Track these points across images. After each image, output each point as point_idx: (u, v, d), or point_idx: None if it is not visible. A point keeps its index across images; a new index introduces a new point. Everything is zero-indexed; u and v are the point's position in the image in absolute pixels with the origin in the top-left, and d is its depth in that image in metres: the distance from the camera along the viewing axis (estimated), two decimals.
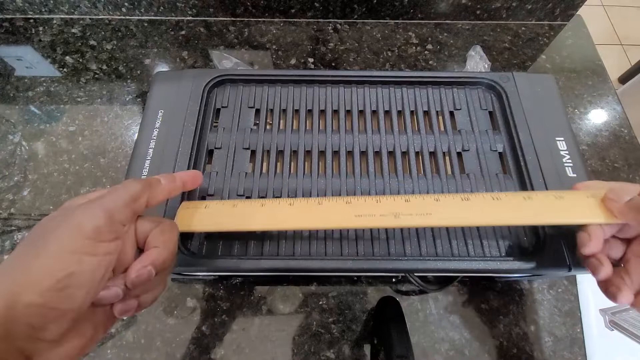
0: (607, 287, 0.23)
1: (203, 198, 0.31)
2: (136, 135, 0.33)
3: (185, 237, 0.29)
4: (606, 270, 0.23)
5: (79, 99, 0.48)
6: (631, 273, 0.23)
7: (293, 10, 0.54)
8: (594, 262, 0.23)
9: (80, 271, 0.18)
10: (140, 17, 0.55)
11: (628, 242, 0.24)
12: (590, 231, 0.24)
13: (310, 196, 0.31)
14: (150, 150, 0.32)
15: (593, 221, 0.24)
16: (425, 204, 0.26)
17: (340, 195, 0.31)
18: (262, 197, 0.31)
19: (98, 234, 0.19)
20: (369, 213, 0.26)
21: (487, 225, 0.28)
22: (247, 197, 0.31)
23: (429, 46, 0.54)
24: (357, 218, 0.26)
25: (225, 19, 0.55)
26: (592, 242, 0.23)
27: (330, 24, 0.55)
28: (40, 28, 0.53)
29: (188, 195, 0.31)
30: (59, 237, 0.18)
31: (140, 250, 0.22)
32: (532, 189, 0.31)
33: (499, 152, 0.34)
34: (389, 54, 0.53)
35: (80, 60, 0.51)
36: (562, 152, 0.32)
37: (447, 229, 0.30)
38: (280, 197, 0.31)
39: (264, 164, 0.33)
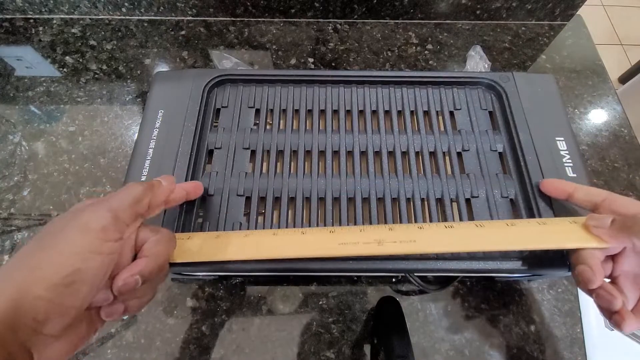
0: (610, 317, 0.23)
1: (203, 199, 0.31)
2: (136, 135, 0.33)
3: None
4: (618, 300, 0.22)
5: (79, 99, 0.48)
6: (624, 290, 0.23)
7: (293, 10, 0.54)
8: (604, 295, 0.23)
9: (86, 268, 0.18)
10: (140, 17, 0.55)
11: (613, 258, 0.24)
12: (590, 264, 0.23)
13: (310, 197, 0.31)
14: (150, 150, 0.32)
15: (585, 245, 0.24)
16: (409, 232, 0.26)
17: (340, 195, 0.31)
18: (262, 199, 0.31)
19: (104, 233, 0.19)
20: (352, 241, 0.26)
21: (471, 252, 0.28)
22: (247, 197, 0.31)
23: (429, 46, 0.54)
24: (340, 246, 0.26)
25: (225, 19, 0.55)
26: (597, 275, 0.23)
27: (330, 24, 0.55)
28: (40, 28, 0.53)
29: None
30: (67, 235, 0.19)
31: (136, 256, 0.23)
32: (532, 189, 0.31)
33: (499, 152, 0.34)
34: (389, 54, 0.53)
35: (80, 60, 0.51)
36: (562, 152, 0.32)
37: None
38: (280, 197, 0.31)
39: (264, 164, 0.33)
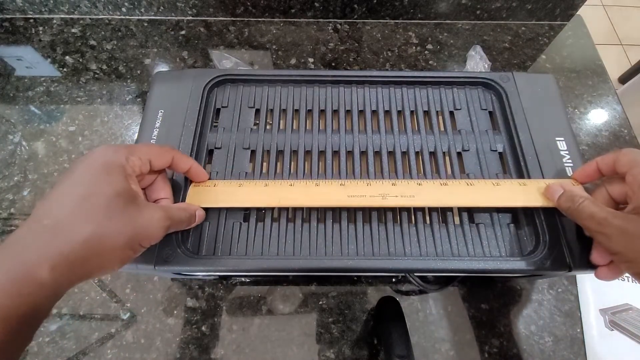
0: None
1: None
2: (136, 135, 0.33)
3: (185, 237, 0.29)
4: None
5: (79, 99, 0.48)
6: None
7: (293, 10, 0.54)
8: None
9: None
10: (140, 17, 0.55)
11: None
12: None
13: None
14: None
15: (543, 205, 0.29)
16: (410, 187, 0.30)
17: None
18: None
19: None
20: (360, 194, 0.29)
21: (461, 207, 0.31)
22: None
23: (429, 46, 0.54)
24: (349, 198, 0.29)
25: (225, 19, 0.55)
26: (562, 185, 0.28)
27: (330, 24, 0.55)
28: (40, 28, 0.53)
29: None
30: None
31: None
32: None
33: (499, 152, 0.34)
34: (389, 54, 0.53)
35: (80, 60, 0.51)
36: (562, 152, 0.32)
37: (447, 228, 0.30)
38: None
39: (264, 164, 0.33)
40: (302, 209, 0.31)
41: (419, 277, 0.33)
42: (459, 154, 0.34)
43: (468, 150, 0.34)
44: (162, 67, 0.51)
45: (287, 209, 0.31)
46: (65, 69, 0.50)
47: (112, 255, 0.21)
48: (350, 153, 0.34)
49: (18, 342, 0.18)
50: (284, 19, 0.55)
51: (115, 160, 0.23)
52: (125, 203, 0.22)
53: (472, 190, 0.30)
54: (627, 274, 0.37)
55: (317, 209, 0.31)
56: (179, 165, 0.28)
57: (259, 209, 0.31)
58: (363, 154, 0.34)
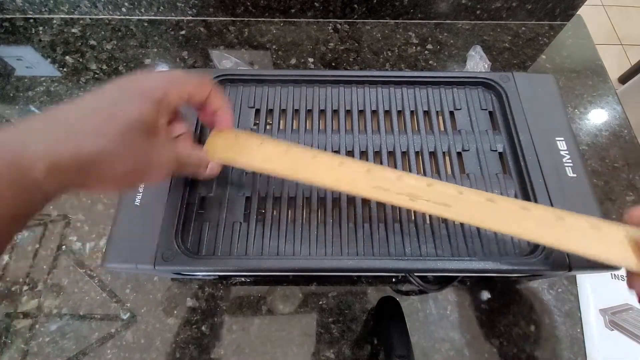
0: None
1: (202, 199, 0.31)
2: None
3: (185, 237, 0.29)
4: None
5: None
6: None
7: (293, 10, 0.54)
8: None
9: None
10: (140, 17, 0.55)
11: None
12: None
13: (310, 196, 0.31)
14: None
15: (625, 265, 0.22)
16: (447, 194, 0.24)
17: (340, 195, 0.31)
18: (262, 198, 0.31)
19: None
20: (385, 187, 0.25)
21: (508, 234, 0.26)
22: (247, 197, 0.31)
23: (429, 46, 0.54)
24: (373, 189, 0.25)
25: (225, 19, 0.55)
26: None
27: (330, 24, 0.55)
28: (40, 28, 0.53)
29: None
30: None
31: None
32: (532, 189, 0.31)
33: (499, 152, 0.34)
34: (389, 54, 0.53)
35: (80, 60, 0.51)
36: (562, 152, 0.32)
37: (447, 228, 0.30)
38: (280, 197, 0.31)
39: None
40: (302, 207, 0.31)
41: (419, 277, 0.33)
42: (459, 154, 0.34)
43: (468, 150, 0.34)
44: (162, 67, 0.51)
45: (286, 209, 0.31)
46: (65, 69, 0.50)
47: (108, 178, 0.21)
48: (350, 153, 0.34)
49: None
50: (284, 19, 0.55)
51: (154, 91, 0.22)
52: (146, 135, 0.21)
53: (529, 218, 0.24)
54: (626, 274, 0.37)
55: (317, 209, 0.31)
56: (212, 102, 0.26)
57: (259, 209, 0.31)
58: (363, 153, 0.34)
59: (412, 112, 0.36)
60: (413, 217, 0.31)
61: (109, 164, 0.20)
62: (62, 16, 0.54)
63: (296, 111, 0.36)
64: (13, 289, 0.37)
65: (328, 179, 0.26)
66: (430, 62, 0.52)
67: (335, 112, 0.36)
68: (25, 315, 0.36)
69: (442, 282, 0.36)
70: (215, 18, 0.55)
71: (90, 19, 0.54)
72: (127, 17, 0.54)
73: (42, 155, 0.18)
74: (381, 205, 0.31)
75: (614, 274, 0.38)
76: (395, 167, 0.33)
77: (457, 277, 0.36)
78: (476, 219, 0.24)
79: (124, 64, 0.51)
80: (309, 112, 0.36)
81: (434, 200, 0.24)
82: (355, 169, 0.26)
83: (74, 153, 0.19)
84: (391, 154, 0.34)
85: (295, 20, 0.55)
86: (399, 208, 0.31)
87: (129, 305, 0.36)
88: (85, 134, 0.20)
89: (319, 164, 0.26)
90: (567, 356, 0.35)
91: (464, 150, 0.34)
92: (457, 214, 0.24)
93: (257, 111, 0.36)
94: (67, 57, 0.51)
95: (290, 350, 0.35)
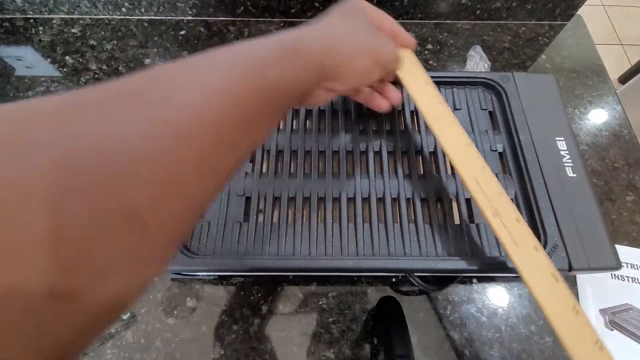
0: None
1: None
2: None
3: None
4: None
5: None
6: None
7: (293, 10, 0.54)
8: None
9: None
10: (140, 17, 0.55)
11: None
12: None
13: (310, 196, 0.31)
14: None
15: None
16: (523, 235, 0.25)
17: (340, 195, 0.31)
18: (263, 197, 0.31)
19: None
20: (485, 190, 0.26)
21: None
22: (247, 197, 0.31)
23: (429, 46, 0.54)
24: (475, 184, 0.26)
25: (225, 19, 0.55)
26: None
27: None
28: (40, 28, 0.53)
29: None
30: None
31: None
32: (532, 189, 0.31)
33: (499, 152, 0.34)
34: None
35: (80, 60, 0.51)
36: (562, 152, 0.32)
37: (447, 228, 0.30)
38: (280, 197, 0.31)
39: (264, 164, 0.33)
40: (302, 207, 0.31)
41: (419, 277, 0.33)
42: None
43: None
44: None
45: (286, 209, 0.31)
46: (65, 69, 0.50)
47: (361, 70, 0.25)
48: (350, 153, 0.34)
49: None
50: (284, 19, 0.55)
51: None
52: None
53: (575, 319, 0.25)
54: (626, 274, 0.37)
55: (317, 209, 0.31)
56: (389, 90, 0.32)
57: (259, 209, 0.31)
58: (363, 153, 0.34)
59: (412, 111, 0.36)
60: (413, 217, 0.31)
61: (374, 53, 0.25)
62: (62, 16, 0.54)
63: (296, 111, 0.36)
64: None
65: (449, 146, 0.27)
66: (430, 62, 0.52)
67: (335, 112, 0.36)
68: None
69: (442, 282, 0.36)
70: (215, 18, 0.55)
71: (90, 19, 0.54)
72: (127, 17, 0.54)
73: (316, 42, 0.22)
74: (381, 205, 0.31)
75: (614, 274, 0.38)
76: (395, 165, 0.33)
77: (457, 277, 0.36)
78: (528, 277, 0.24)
79: (124, 64, 0.51)
80: (309, 112, 0.36)
81: (510, 234, 0.25)
82: (473, 157, 0.27)
83: (336, 46, 0.23)
84: (391, 154, 0.34)
85: (295, 20, 0.55)
86: (399, 208, 0.31)
87: None
88: (351, 35, 0.24)
89: (452, 131, 0.28)
90: (567, 356, 0.35)
91: None
92: (518, 259, 0.24)
93: None
94: (67, 57, 0.51)
95: (290, 350, 0.35)
